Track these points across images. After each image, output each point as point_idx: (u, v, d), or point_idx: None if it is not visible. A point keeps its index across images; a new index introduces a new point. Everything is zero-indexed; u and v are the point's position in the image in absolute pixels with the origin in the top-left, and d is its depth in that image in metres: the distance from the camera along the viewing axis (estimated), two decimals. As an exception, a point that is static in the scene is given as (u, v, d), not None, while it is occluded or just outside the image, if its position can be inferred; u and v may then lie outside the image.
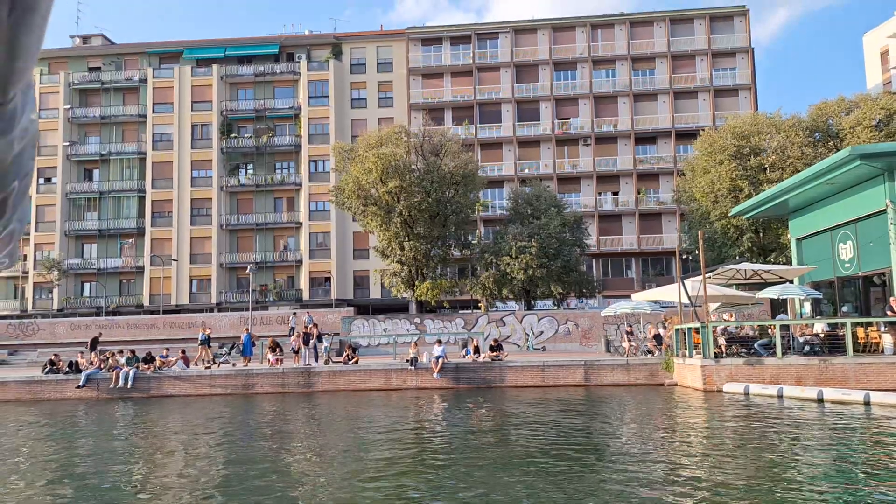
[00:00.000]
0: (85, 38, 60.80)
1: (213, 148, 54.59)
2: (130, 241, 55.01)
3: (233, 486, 10.03)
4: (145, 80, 55.76)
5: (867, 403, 15.74)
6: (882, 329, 19.52)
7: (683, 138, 52.37)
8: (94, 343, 29.52)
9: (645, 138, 54.46)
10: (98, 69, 57.24)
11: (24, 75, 0.96)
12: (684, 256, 40.77)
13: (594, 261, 53.38)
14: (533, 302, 41.25)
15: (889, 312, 19.54)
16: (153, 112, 55.31)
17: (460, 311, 43.12)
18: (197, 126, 55.27)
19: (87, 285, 54.96)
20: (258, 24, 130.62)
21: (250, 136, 54.92)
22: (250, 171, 55.15)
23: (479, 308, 42.65)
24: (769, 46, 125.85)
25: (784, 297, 22.19)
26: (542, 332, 38.02)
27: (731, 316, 26.16)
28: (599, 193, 54.58)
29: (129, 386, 25.44)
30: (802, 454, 11.33)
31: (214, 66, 55.46)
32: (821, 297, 24.07)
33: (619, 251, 54.12)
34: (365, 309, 50.87)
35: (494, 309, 42.60)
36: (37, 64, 1.01)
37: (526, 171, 54.47)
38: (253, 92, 56.02)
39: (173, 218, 54.02)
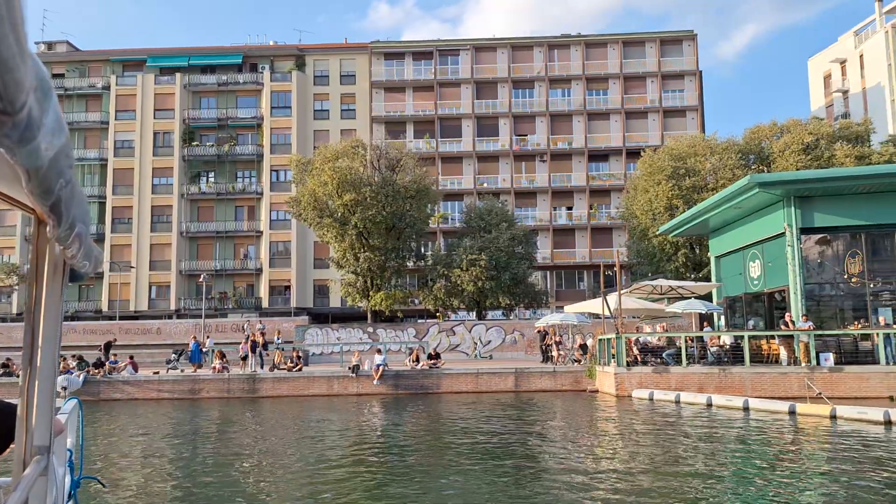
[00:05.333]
0: (50, 45, 61.19)
1: (175, 156, 55.33)
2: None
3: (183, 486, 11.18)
4: (108, 88, 56.38)
5: (746, 409, 17.43)
6: (777, 341, 21.28)
7: (633, 156, 54.38)
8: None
9: (598, 156, 56.46)
10: (62, 76, 57.67)
11: (18, 85, 0.95)
12: (612, 270, 42.57)
13: (548, 273, 55.13)
14: (484, 312, 42.69)
15: (783, 326, 21.31)
16: (115, 119, 55.91)
17: (418, 321, 44.43)
18: (159, 134, 55.99)
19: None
20: (222, 33, 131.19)
21: (212, 145, 55.78)
22: (211, 180, 55.97)
23: (437, 318, 43.96)
24: (735, 63, 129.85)
25: (687, 311, 23.95)
26: (489, 342, 39.49)
27: (664, 327, 27.83)
28: (554, 208, 56.36)
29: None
30: (670, 450, 12.86)
31: (178, 75, 56.29)
32: (721, 311, 25.86)
33: (572, 264, 55.90)
34: (324, 317, 51.90)
35: (448, 319, 43.96)
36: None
37: (485, 184, 56.12)
38: (216, 101, 56.90)
39: (133, 224, 54.58)
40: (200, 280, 37.88)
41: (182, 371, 29.18)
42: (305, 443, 15.14)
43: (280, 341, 32.68)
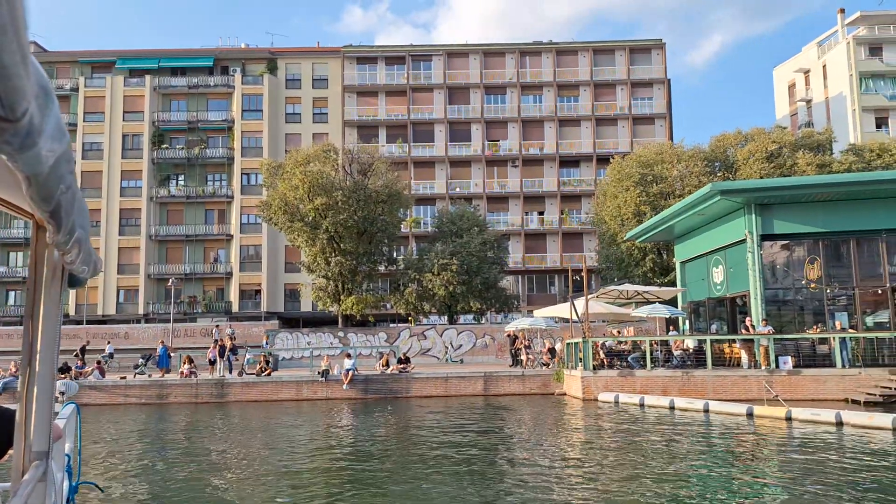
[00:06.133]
0: (15, 44, 60.09)
1: (144, 158, 54.76)
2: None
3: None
4: (76, 90, 55.61)
5: (706, 411, 17.87)
6: (738, 345, 21.82)
7: (604, 162, 54.99)
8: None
9: (569, 161, 57.08)
10: (28, 76, 56.66)
11: (19, 92, 0.96)
12: (580, 274, 43.21)
13: (520, 277, 55.58)
14: (455, 317, 42.90)
15: (744, 331, 21.86)
16: (84, 121, 55.15)
17: (389, 325, 44.49)
18: (128, 136, 55.36)
19: (11, 294, 54.20)
20: (193, 35, 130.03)
21: (182, 148, 55.31)
22: (181, 183, 55.47)
23: (409, 322, 44.08)
24: (704, 71, 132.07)
25: (652, 315, 24.45)
26: (461, 346, 39.67)
27: (631, 331, 28.34)
28: (526, 213, 56.83)
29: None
30: (631, 452, 13.17)
31: (147, 77, 55.73)
32: (685, 315, 26.43)
33: (544, 268, 56.40)
34: (296, 322, 51.68)
35: (419, 323, 44.10)
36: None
37: (457, 189, 56.41)
38: (186, 103, 56.44)
39: (102, 228, 53.82)
40: (169, 284, 37.53)
41: (150, 376, 28.93)
42: (275, 449, 15.19)
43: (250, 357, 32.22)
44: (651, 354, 22.35)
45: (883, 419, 14.66)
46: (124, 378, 27.87)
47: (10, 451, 2.37)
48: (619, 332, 26.47)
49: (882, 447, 12.93)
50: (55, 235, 1.75)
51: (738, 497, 9.40)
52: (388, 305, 44.41)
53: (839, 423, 15.13)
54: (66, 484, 3.69)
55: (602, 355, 22.94)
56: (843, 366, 20.84)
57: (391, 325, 43.96)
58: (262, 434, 17.52)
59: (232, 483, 11.14)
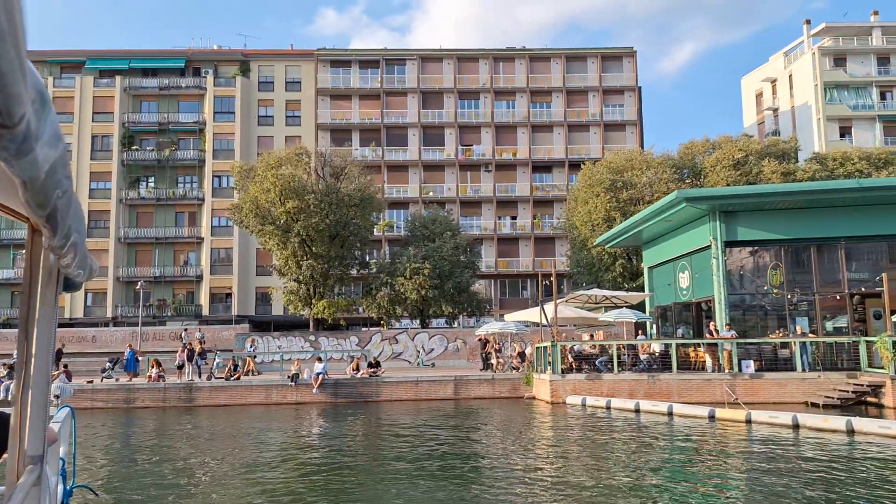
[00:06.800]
0: (-19, 42, 59.01)
1: (114, 160, 54.07)
2: (24, 251, 53.53)
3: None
4: (44, 89, 54.64)
5: (670, 414, 18.23)
6: (703, 349, 22.26)
7: (576, 168, 55.54)
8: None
9: (541, 167, 57.57)
10: (-7, 75, 55.67)
11: (17, 98, 0.95)
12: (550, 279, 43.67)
13: (493, 281, 55.85)
14: (427, 321, 42.99)
15: (708, 335, 22.30)
16: (51, 121, 54.21)
17: (361, 329, 44.42)
18: (97, 137, 54.62)
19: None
20: (165, 36, 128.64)
21: (152, 149, 54.72)
22: (151, 185, 54.86)
23: (381, 326, 44.06)
24: (675, 79, 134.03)
25: (619, 319, 24.85)
26: (432, 350, 39.79)
27: (601, 335, 28.66)
28: (499, 217, 57.15)
29: (9, 398, 25.49)
30: (592, 454, 13.41)
31: (118, 78, 55.07)
32: (651, 320, 26.89)
33: (516, 272, 56.74)
34: (267, 325, 51.33)
35: (391, 327, 44.11)
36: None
37: (430, 193, 56.54)
38: (157, 105, 55.86)
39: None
40: (138, 287, 37.15)
41: (117, 380, 28.59)
42: (246, 453, 15.17)
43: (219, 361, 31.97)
44: (618, 358, 22.69)
45: (837, 422, 15.10)
46: (91, 382, 27.51)
47: (5, 455, 2.35)
48: (591, 335, 26.77)
49: (835, 448, 13.33)
50: (51, 239, 1.76)
51: (696, 497, 9.65)
52: (361, 309, 44.38)
53: (796, 426, 15.55)
54: (60, 488, 3.65)
55: (570, 359, 23.23)
56: (804, 370, 21.36)
57: (363, 329, 43.91)
58: (233, 439, 17.47)
59: (203, 486, 11.14)
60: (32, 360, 2.18)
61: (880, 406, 19.53)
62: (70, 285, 2.52)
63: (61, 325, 47.60)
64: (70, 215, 1.69)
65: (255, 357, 31.97)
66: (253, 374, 30.24)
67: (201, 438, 17.94)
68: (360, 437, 17.50)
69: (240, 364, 29.30)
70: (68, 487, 3.97)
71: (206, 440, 17.54)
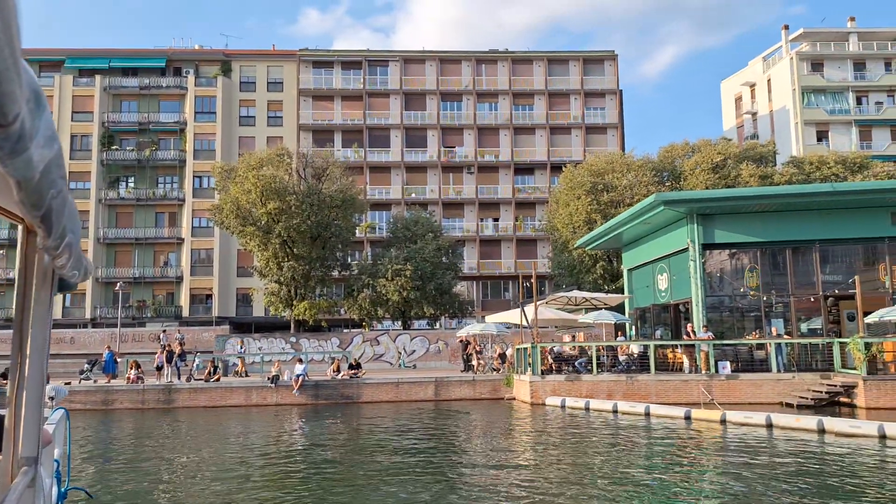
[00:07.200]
0: (-43, 39, 58.22)
1: (93, 160, 53.57)
2: (1, 252, 52.92)
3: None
4: (22, 88, 54.04)
5: (647, 414, 18.45)
6: (679, 350, 22.53)
7: (558, 170, 55.80)
8: None
9: (523, 169, 57.83)
10: (-30, 73, 54.95)
11: (11, 97, 0.94)
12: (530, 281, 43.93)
13: (475, 283, 55.99)
14: (409, 322, 43.02)
15: (685, 337, 22.57)
16: (29, 120, 53.61)
17: (343, 331, 44.35)
18: (77, 137, 54.08)
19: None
20: (146, 35, 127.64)
21: (132, 149, 54.28)
22: (131, 185, 54.42)
23: (363, 328, 44.02)
24: (657, 82, 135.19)
25: (598, 321, 25.10)
26: (414, 351, 39.83)
27: (582, 336, 28.88)
28: (481, 219, 57.33)
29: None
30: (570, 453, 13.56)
31: (97, 77, 54.58)
32: (630, 321, 27.17)
33: (498, 274, 56.94)
34: (248, 327, 51.12)
35: (373, 329, 44.09)
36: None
37: (413, 195, 56.60)
38: (137, 104, 55.43)
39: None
40: (117, 288, 36.85)
41: (95, 381, 28.34)
42: (227, 455, 15.14)
43: (199, 362, 31.74)
44: (598, 360, 22.90)
45: (808, 422, 15.37)
46: (69, 384, 27.21)
47: None
48: (573, 336, 26.99)
49: (806, 447, 13.58)
50: (45, 240, 1.76)
51: (670, 495, 9.81)
52: (342, 311, 44.30)
53: (769, 426, 15.81)
54: (54, 490, 3.60)
55: (550, 360, 23.40)
56: (779, 370, 21.68)
57: (344, 331, 43.87)
58: (220, 441, 17.42)
59: (183, 487, 11.13)
60: (27, 361, 2.16)
61: (853, 406, 19.87)
62: (64, 286, 2.51)
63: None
64: (65, 216, 1.68)
65: (244, 358, 31.84)
66: (241, 375, 30.10)
67: (185, 440, 17.87)
68: (341, 439, 17.51)
69: (220, 366, 29.15)
70: (63, 490, 3.92)
71: (191, 441, 17.47)
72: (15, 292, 2.28)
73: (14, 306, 2.20)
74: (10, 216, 1.84)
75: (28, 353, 2.16)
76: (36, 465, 2.34)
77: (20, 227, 2.07)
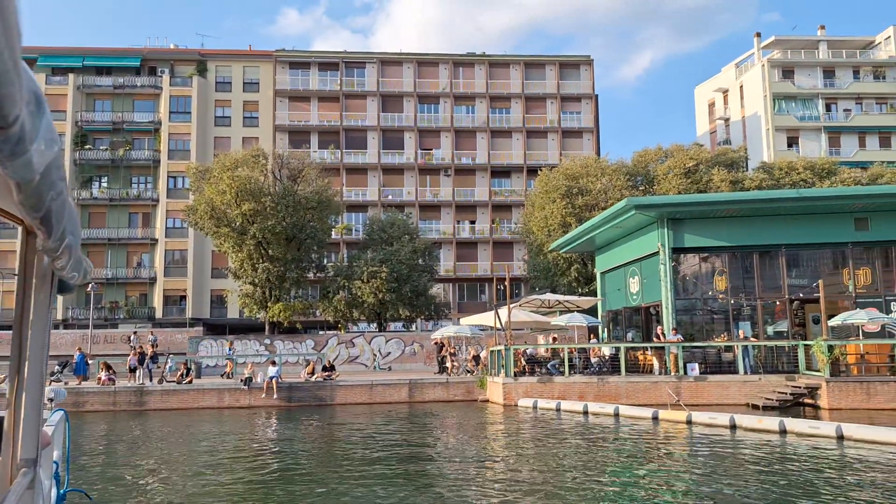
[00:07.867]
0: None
1: (66, 159, 52.77)
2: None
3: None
4: (-8, 85, 53.24)
5: (616, 415, 18.77)
6: (649, 353, 22.92)
7: (534, 174, 56.23)
8: None
9: (500, 172, 58.19)
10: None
11: (11, 99, 0.93)
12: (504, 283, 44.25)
13: (452, 285, 56.17)
14: (385, 324, 43.06)
15: (655, 339, 22.95)
16: (0, 118, 52.83)
17: (318, 333, 44.24)
18: (48, 136, 53.31)
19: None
20: (121, 33, 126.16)
21: (106, 149, 53.71)
22: (104, 185, 53.83)
23: (338, 330, 43.95)
24: (635, 86, 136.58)
25: (570, 323, 25.44)
26: (389, 353, 39.86)
27: (555, 339, 29.14)
28: (458, 221, 57.57)
29: None
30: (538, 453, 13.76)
31: (71, 76, 53.94)
32: (602, 324, 27.57)
33: (475, 276, 57.20)
34: (222, 329, 50.77)
35: (349, 331, 44.05)
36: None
37: (390, 197, 56.67)
38: (111, 104, 54.85)
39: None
40: (89, 289, 36.41)
41: (66, 383, 28.01)
42: (198, 458, 15.13)
43: (172, 364, 31.65)
44: (570, 362, 23.19)
45: (771, 422, 15.77)
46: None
47: None
48: (554, 338, 27.23)
49: (768, 447, 13.95)
50: (45, 241, 1.79)
51: (636, 493, 10.04)
52: (317, 312, 44.22)
53: (733, 426, 16.18)
54: (53, 491, 3.59)
55: (523, 362, 23.65)
56: (746, 372, 22.14)
57: (319, 333, 43.78)
58: (196, 443, 17.37)
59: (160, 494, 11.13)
60: (27, 362, 2.16)
61: (816, 407, 20.37)
62: (64, 287, 2.51)
63: (7, 328, 46.35)
64: (65, 217, 1.68)
65: (233, 360, 31.63)
66: (228, 377, 29.84)
67: (157, 443, 17.79)
68: (314, 441, 17.56)
69: (192, 368, 28.99)
70: (62, 491, 3.93)
71: (163, 444, 17.40)
72: (15, 294, 2.29)
73: (14, 308, 2.21)
74: (11, 218, 1.86)
75: (28, 354, 2.16)
76: (35, 466, 2.34)
77: (20, 229, 2.09)
